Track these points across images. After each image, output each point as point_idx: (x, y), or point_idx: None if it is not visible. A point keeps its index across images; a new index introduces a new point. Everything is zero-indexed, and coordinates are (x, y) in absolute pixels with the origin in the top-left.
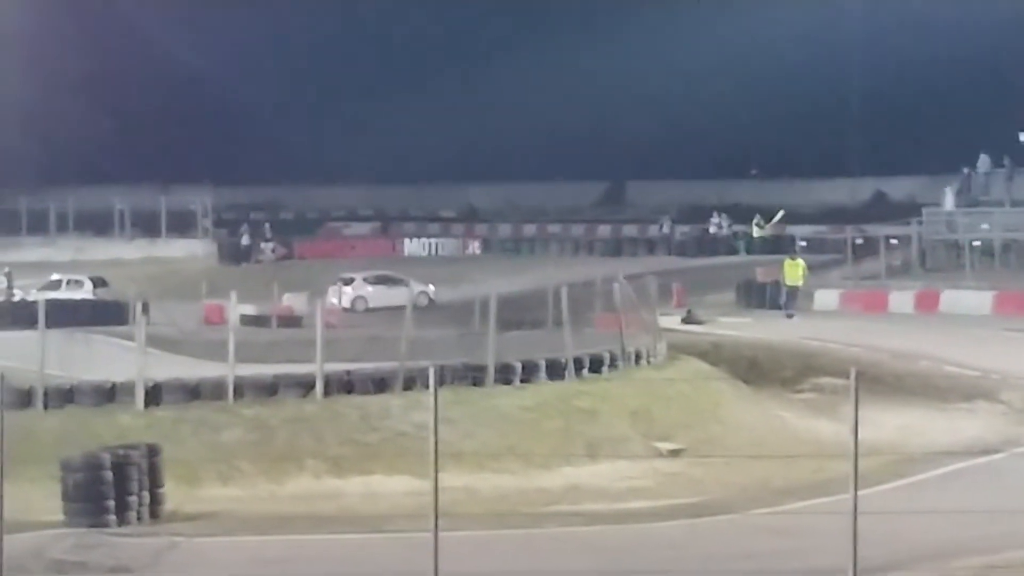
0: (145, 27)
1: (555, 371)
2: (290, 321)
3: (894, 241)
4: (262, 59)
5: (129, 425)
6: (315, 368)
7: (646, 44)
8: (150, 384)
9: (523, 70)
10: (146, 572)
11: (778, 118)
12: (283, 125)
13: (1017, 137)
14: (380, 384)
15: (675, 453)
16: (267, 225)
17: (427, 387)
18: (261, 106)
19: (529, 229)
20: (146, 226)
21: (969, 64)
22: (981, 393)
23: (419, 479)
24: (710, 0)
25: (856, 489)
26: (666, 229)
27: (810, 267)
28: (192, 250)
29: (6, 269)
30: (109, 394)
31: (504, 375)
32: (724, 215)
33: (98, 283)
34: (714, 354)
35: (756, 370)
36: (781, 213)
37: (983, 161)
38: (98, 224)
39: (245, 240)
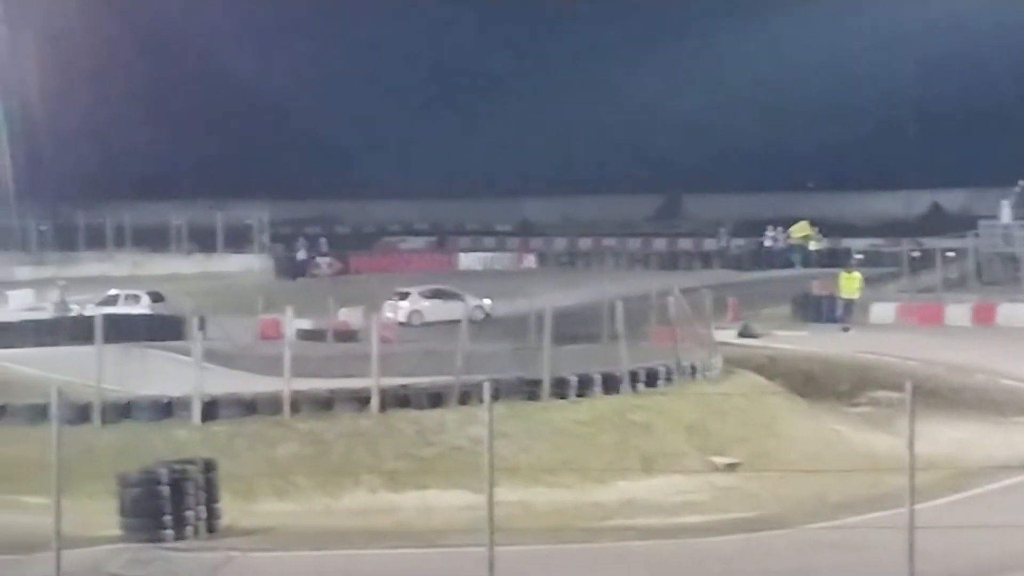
0: (203, 44)
1: (610, 385)
2: (346, 335)
3: (950, 254)
4: (319, 75)
5: (186, 440)
6: (371, 382)
7: (702, 57)
8: (206, 399)
9: (579, 84)
10: None
11: (834, 131)
12: (339, 140)
13: None
14: (436, 398)
15: (731, 467)
16: (323, 240)
17: (482, 401)
18: (318, 121)
19: (584, 243)
20: (203, 241)
21: None
22: None
23: (474, 493)
24: (766, 13)
25: (912, 503)
26: (722, 242)
27: (866, 280)
28: (248, 265)
29: (61, 283)
30: (166, 409)
31: (559, 389)
32: (780, 228)
33: (155, 298)
34: (770, 368)
35: (812, 384)
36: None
37: None
38: (155, 239)
39: (301, 255)
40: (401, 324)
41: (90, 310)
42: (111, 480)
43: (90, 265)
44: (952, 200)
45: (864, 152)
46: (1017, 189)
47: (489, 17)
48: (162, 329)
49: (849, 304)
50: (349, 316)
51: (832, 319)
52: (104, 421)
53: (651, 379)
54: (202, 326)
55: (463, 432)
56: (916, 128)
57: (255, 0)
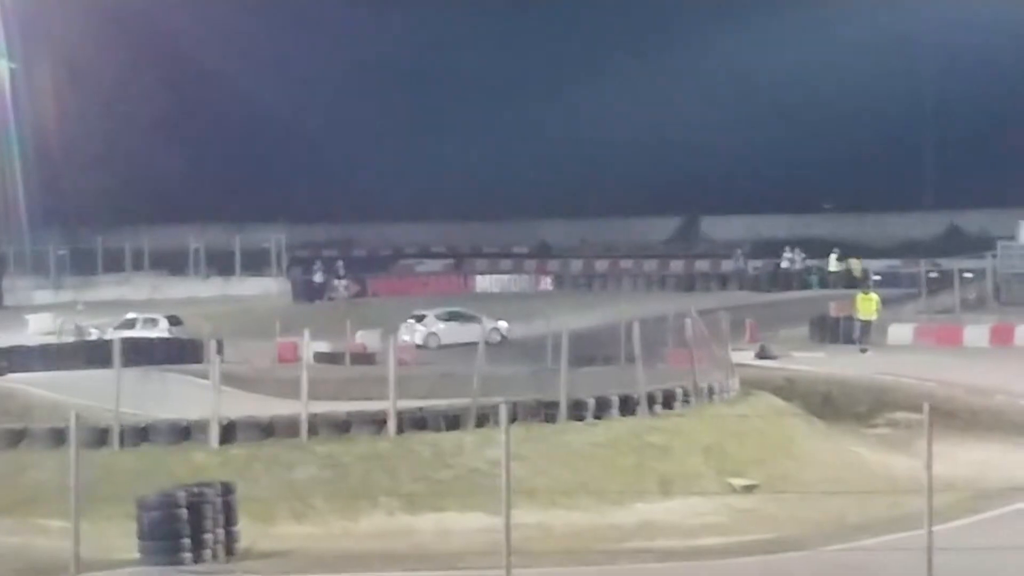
0: (220, 69)
1: (628, 407)
2: (363, 358)
3: (968, 275)
4: (336, 98)
5: (204, 463)
6: (388, 405)
7: (719, 78)
8: (224, 422)
9: (595, 107)
10: None
11: (851, 152)
12: (356, 163)
13: None
14: (453, 421)
15: (749, 489)
16: (340, 262)
17: (500, 424)
18: (335, 144)
19: (601, 265)
20: (221, 264)
21: None
22: None
23: (492, 516)
24: (782, 34)
25: (931, 525)
26: (740, 264)
27: (884, 301)
28: (266, 288)
29: (79, 307)
30: (184, 432)
31: (576, 411)
32: (797, 249)
33: (173, 321)
34: (788, 389)
35: (830, 405)
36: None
37: None
38: (173, 263)
39: (318, 278)
40: (418, 346)
41: (109, 333)
42: (130, 503)
43: (108, 289)
44: (970, 221)
45: (882, 173)
46: None
47: (506, 41)
48: (180, 352)
49: (867, 325)
50: (366, 339)
51: (850, 340)
52: (122, 444)
53: (668, 401)
54: (220, 349)
55: (480, 454)
56: (934, 149)
57: (271, 26)
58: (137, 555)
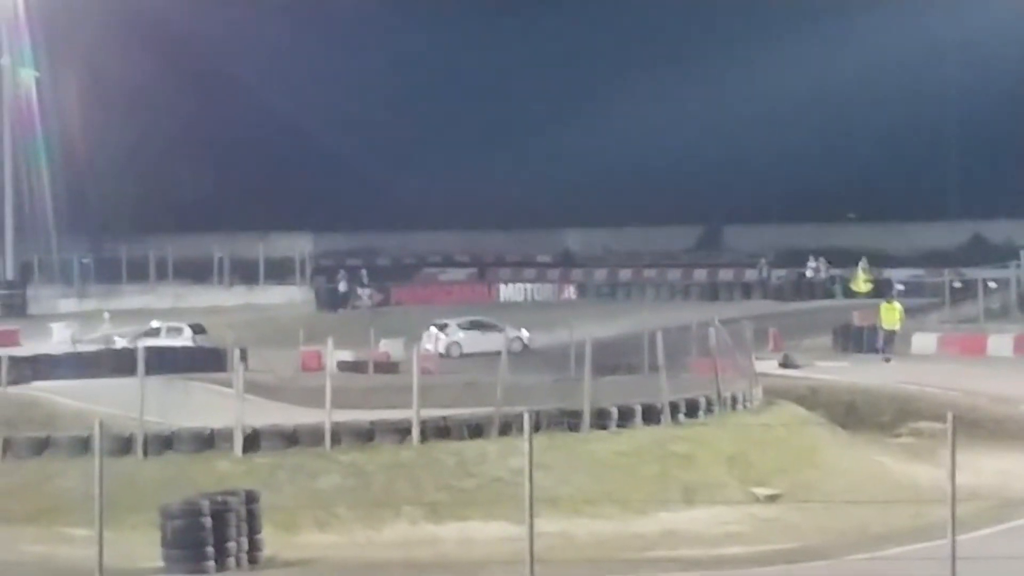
0: (245, 77)
1: (651, 416)
2: (387, 367)
3: (992, 284)
4: (360, 108)
5: (227, 471)
6: (412, 414)
7: (742, 88)
8: (248, 431)
9: (619, 116)
10: None
11: (875, 161)
12: (380, 172)
13: None
14: (476, 430)
15: (772, 498)
16: (364, 271)
17: (523, 432)
18: (359, 153)
19: (625, 274)
20: (244, 273)
21: None
22: None
23: (515, 525)
24: (806, 42)
25: (954, 534)
26: (763, 273)
27: (907, 310)
28: (290, 297)
29: (106, 315)
30: (208, 441)
31: (600, 420)
32: (822, 259)
33: (197, 330)
34: (811, 399)
35: (853, 415)
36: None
37: None
38: (197, 271)
39: (342, 286)
40: (440, 355)
41: (136, 342)
42: (153, 512)
43: (133, 298)
44: (994, 230)
45: (905, 182)
46: None
47: (531, 51)
48: (204, 361)
49: (890, 335)
50: (390, 347)
51: (873, 349)
52: (146, 453)
53: (692, 410)
54: (244, 358)
55: (504, 463)
56: (958, 158)
57: (296, 34)
58: (161, 563)
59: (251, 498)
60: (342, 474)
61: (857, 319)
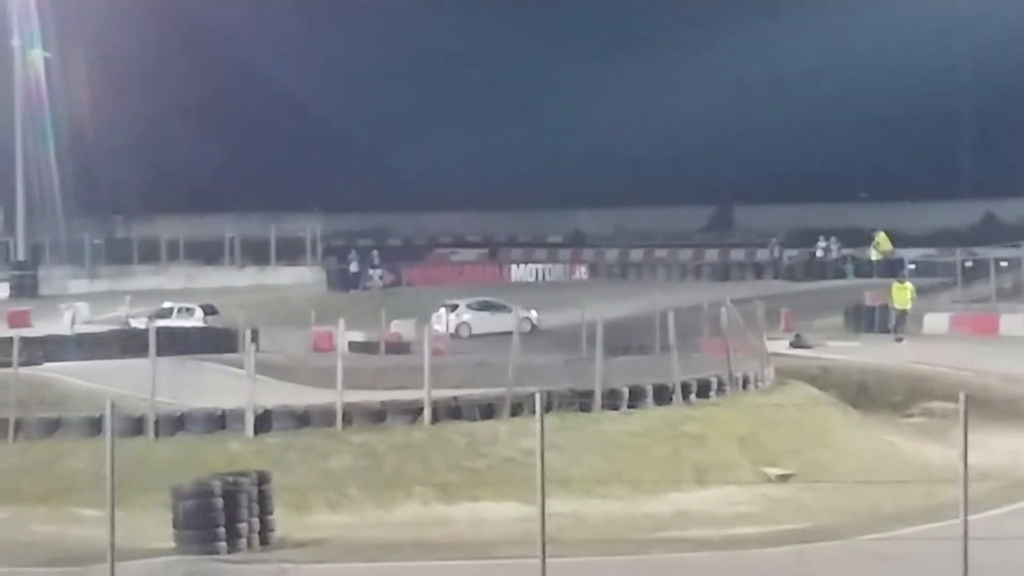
0: (254, 57)
1: (662, 396)
2: (398, 348)
3: (1004, 263)
4: (370, 87)
5: (239, 452)
6: (423, 394)
7: (754, 66)
8: (259, 411)
9: (631, 96)
10: None
11: (887, 140)
12: (391, 152)
13: None
14: (487, 410)
15: (784, 478)
16: (375, 252)
17: (534, 413)
18: (369, 133)
19: (636, 254)
20: (256, 254)
21: None
22: None
23: (527, 505)
24: (818, 23)
25: (966, 514)
26: (775, 253)
27: (919, 290)
28: (301, 277)
29: (127, 297)
30: (219, 421)
31: (611, 401)
32: (834, 238)
33: (208, 311)
34: (823, 379)
35: (865, 395)
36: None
37: None
38: (208, 252)
39: (353, 267)
40: (450, 336)
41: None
42: (165, 493)
43: (144, 279)
44: (1007, 210)
45: (917, 161)
46: None
47: (542, 30)
48: (215, 342)
49: (902, 314)
50: (401, 328)
51: (885, 329)
52: (158, 434)
53: (703, 390)
54: (255, 338)
55: (515, 444)
56: (970, 137)
57: (307, 13)
58: (172, 544)
59: (262, 479)
60: (353, 454)
61: (869, 299)
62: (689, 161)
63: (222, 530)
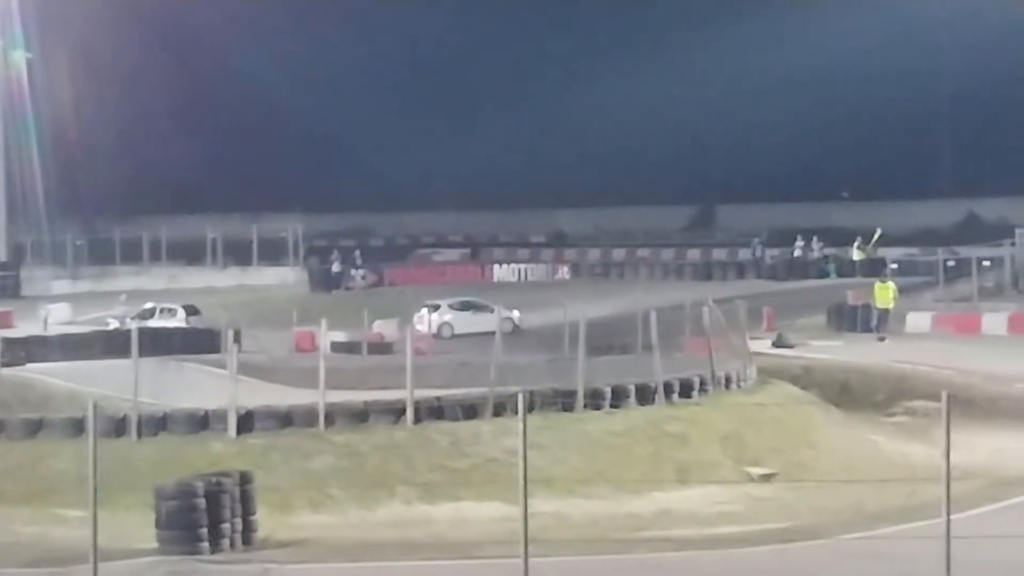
0: (236, 58)
1: (645, 396)
2: (380, 348)
3: (987, 263)
4: (352, 87)
5: (221, 452)
6: (405, 395)
7: (736, 67)
8: (242, 411)
9: (612, 95)
10: None
11: (868, 140)
12: (373, 152)
13: None
14: (470, 410)
15: (766, 478)
16: (357, 252)
17: (517, 413)
18: (351, 134)
19: (618, 254)
20: (238, 254)
21: None
22: None
23: (509, 505)
24: (796, 19)
25: (948, 513)
26: (757, 252)
27: (901, 289)
28: (283, 278)
29: (123, 296)
30: (202, 422)
31: (594, 400)
32: (815, 237)
33: (190, 311)
34: (805, 378)
35: (848, 394)
36: (879, 232)
37: None
38: (191, 253)
39: (336, 267)
40: (433, 336)
41: (127, 324)
42: (148, 493)
43: (126, 279)
44: (989, 209)
45: (899, 161)
46: None
47: (524, 31)
48: (198, 342)
49: (884, 314)
50: (384, 328)
51: (867, 329)
52: (140, 434)
53: (685, 390)
54: (237, 339)
55: (497, 444)
56: (952, 136)
57: (288, 16)
58: (155, 544)
59: (245, 479)
60: (336, 455)
61: (851, 298)
62: (671, 161)
63: (205, 530)
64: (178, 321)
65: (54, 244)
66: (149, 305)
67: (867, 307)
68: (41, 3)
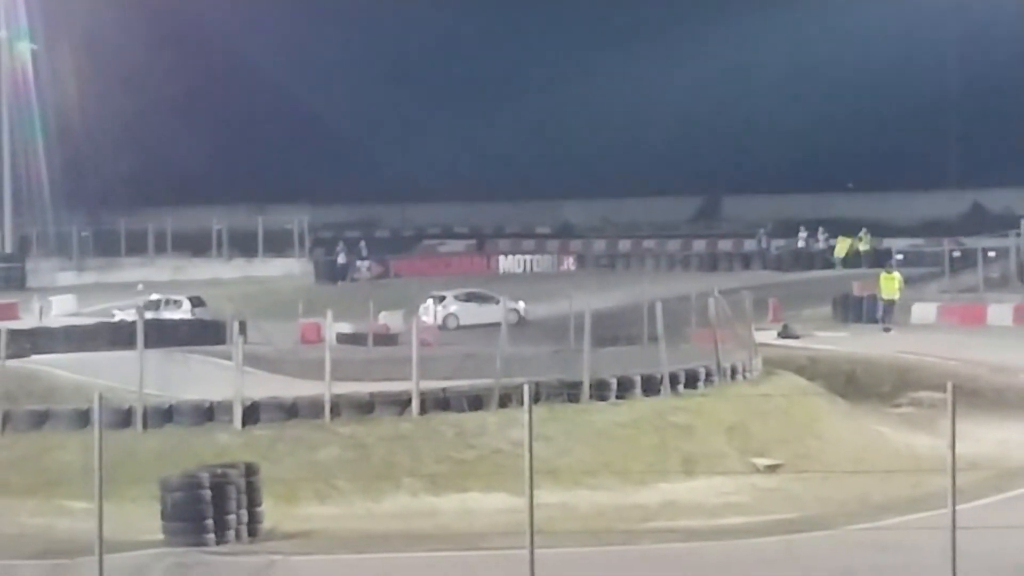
0: (241, 49)
1: (650, 387)
2: (386, 339)
3: (992, 253)
4: (358, 78)
5: (227, 444)
6: (411, 386)
7: (742, 58)
8: (248, 403)
9: (618, 87)
10: None
11: (875, 131)
12: (379, 144)
13: None
14: (476, 401)
15: (772, 468)
16: (363, 243)
17: (522, 404)
18: (357, 125)
19: (624, 245)
20: (243, 246)
21: None
22: None
23: (515, 496)
24: (805, 13)
25: (954, 504)
26: (762, 243)
27: (907, 280)
28: (289, 269)
29: (139, 286)
30: (207, 413)
31: (599, 391)
32: (821, 228)
33: (196, 303)
34: (811, 369)
35: (853, 384)
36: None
37: None
38: (196, 244)
39: (341, 259)
40: (438, 327)
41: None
42: (153, 485)
43: (131, 270)
44: (995, 200)
45: (905, 151)
46: None
47: (530, 22)
48: (203, 334)
49: (890, 304)
50: (389, 320)
51: (873, 319)
52: (146, 426)
53: (691, 381)
54: (243, 330)
55: (503, 435)
56: (958, 127)
57: (293, 7)
58: (161, 536)
59: (251, 470)
60: (342, 446)
61: (857, 289)
62: (677, 152)
63: (210, 522)
64: (183, 313)
65: (59, 236)
66: (154, 296)
67: (873, 298)
68: None
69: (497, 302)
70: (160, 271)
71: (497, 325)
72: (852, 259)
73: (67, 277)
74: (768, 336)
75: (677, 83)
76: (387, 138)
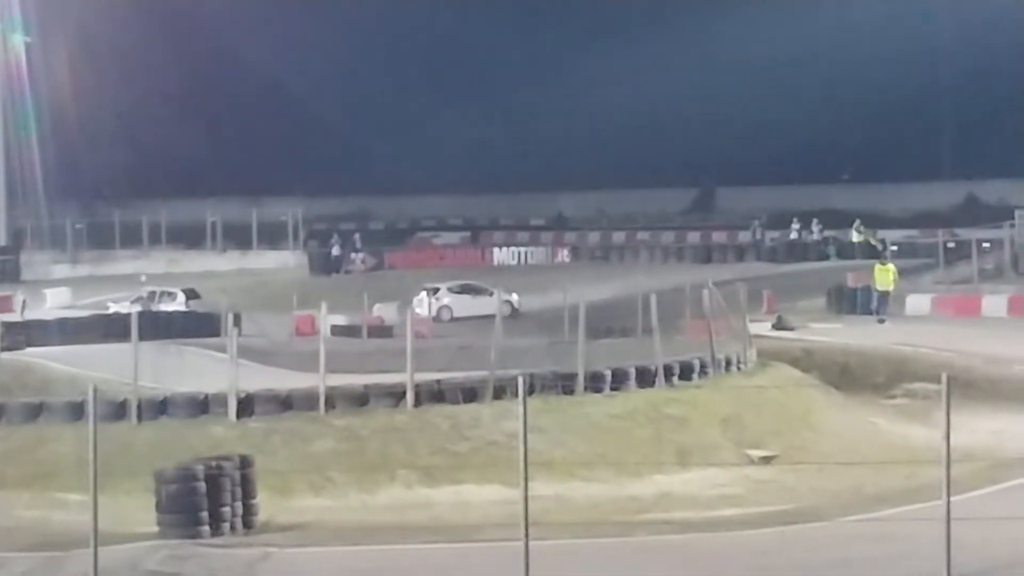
0: (236, 42)
1: (645, 379)
2: (380, 331)
3: (986, 244)
4: (352, 71)
5: (222, 436)
6: (406, 378)
7: (736, 49)
8: (242, 395)
9: (613, 78)
10: None
11: (869, 122)
12: (373, 136)
13: None
14: (470, 393)
15: (766, 460)
16: (357, 236)
17: (517, 396)
18: (351, 117)
19: (618, 237)
20: (238, 238)
21: None
22: None
23: (510, 488)
24: (799, 6)
25: (948, 495)
26: (757, 235)
27: (901, 271)
28: (283, 261)
29: (143, 278)
30: (202, 406)
31: (594, 383)
32: (815, 220)
33: (190, 295)
34: (805, 360)
35: (848, 376)
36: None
37: None
38: (190, 236)
39: (335, 251)
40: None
41: (126, 307)
42: (148, 477)
43: (126, 263)
44: (989, 191)
45: (899, 143)
46: None
47: (522, 13)
48: (198, 326)
49: (884, 296)
50: (384, 312)
51: (867, 311)
52: (141, 418)
53: (686, 372)
54: (237, 323)
55: (498, 427)
56: (952, 118)
57: (287, 1)
58: (156, 528)
59: (245, 463)
60: (336, 438)
61: (851, 281)
62: (671, 144)
63: (205, 514)
64: (178, 305)
65: (53, 228)
66: (149, 289)
67: (867, 289)
68: None
69: (491, 294)
70: (154, 263)
71: (491, 317)
72: (846, 250)
73: (61, 270)
74: (762, 328)
75: (672, 75)
76: (381, 130)
